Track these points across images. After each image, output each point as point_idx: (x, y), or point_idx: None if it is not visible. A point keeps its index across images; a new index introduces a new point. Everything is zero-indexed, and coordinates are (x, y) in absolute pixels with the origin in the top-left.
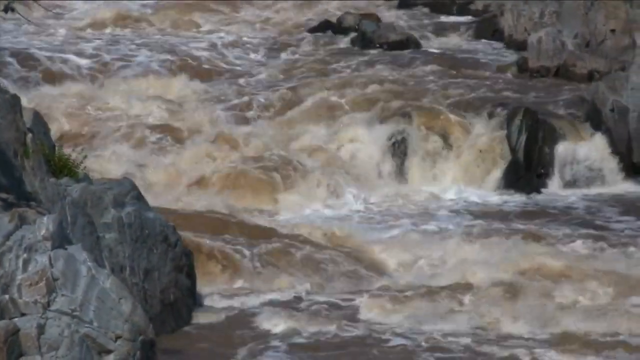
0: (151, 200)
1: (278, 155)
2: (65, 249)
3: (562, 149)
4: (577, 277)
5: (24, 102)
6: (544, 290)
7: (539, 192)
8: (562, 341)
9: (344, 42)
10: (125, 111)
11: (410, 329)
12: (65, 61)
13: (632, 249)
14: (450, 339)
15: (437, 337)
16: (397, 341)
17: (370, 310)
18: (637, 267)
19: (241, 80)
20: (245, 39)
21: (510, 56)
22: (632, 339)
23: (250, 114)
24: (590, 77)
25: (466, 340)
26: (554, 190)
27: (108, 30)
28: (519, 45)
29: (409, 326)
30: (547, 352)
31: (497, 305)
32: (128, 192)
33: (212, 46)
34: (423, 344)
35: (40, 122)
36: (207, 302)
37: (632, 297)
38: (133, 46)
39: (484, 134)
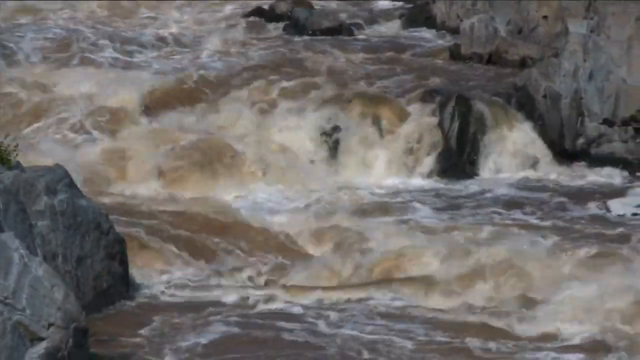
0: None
1: (210, 143)
2: None
3: (494, 135)
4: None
5: None
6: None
7: (471, 178)
8: None
9: (276, 29)
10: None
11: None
12: None
13: (562, 235)
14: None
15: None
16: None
17: (289, 294)
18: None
19: (172, 69)
20: (174, 30)
21: (443, 43)
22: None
23: (184, 102)
24: (522, 63)
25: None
26: (486, 176)
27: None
28: (452, 32)
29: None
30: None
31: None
32: (61, 179)
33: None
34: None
35: None
36: (139, 289)
37: None
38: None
39: (416, 121)
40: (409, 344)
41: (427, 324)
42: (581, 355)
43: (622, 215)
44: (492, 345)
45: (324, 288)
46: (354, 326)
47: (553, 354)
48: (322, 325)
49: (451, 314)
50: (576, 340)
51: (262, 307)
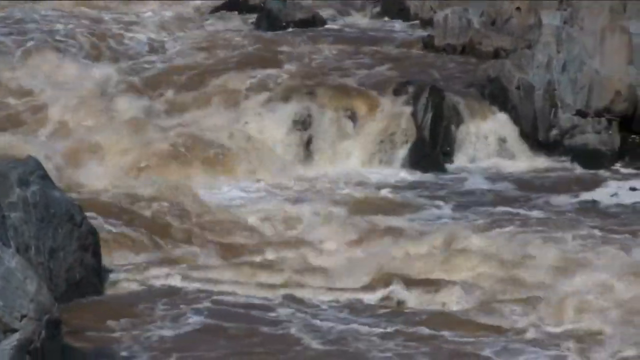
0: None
1: (181, 136)
2: None
3: (468, 127)
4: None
5: None
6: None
7: (444, 170)
8: None
9: (249, 21)
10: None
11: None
12: None
13: (533, 227)
14: None
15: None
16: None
17: (262, 286)
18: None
19: (142, 61)
20: (148, 22)
21: (417, 34)
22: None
23: (151, 95)
24: (496, 55)
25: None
26: (460, 168)
27: None
28: (425, 24)
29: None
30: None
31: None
32: (33, 171)
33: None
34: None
35: None
36: (112, 280)
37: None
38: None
39: (389, 112)
40: (375, 335)
41: (400, 318)
42: None
43: (596, 203)
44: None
45: (294, 279)
46: (324, 317)
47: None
48: (292, 316)
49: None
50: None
51: (235, 298)
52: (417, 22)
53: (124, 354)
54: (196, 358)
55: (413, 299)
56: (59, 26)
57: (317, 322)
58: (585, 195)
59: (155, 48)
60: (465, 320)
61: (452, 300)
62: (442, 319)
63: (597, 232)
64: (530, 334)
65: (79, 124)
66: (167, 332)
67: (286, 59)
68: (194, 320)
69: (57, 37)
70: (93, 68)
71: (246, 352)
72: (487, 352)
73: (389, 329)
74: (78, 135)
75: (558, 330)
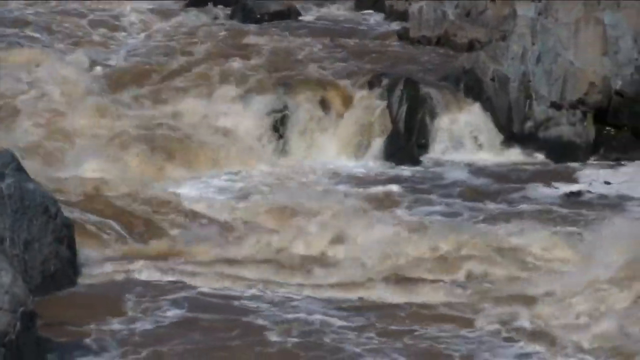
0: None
1: (157, 128)
2: None
3: (443, 119)
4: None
5: None
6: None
7: (419, 162)
8: None
9: (224, 13)
10: None
11: None
12: None
13: (509, 221)
14: None
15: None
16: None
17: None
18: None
19: (116, 54)
20: (124, 13)
21: (392, 26)
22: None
23: (126, 86)
24: (471, 46)
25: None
26: (434, 160)
27: None
28: (400, 16)
29: None
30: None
31: None
32: (8, 163)
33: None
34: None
35: None
36: (87, 272)
37: None
38: None
39: (364, 104)
40: (350, 328)
41: (376, 313)
42: None
43: (572, 195)
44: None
45: (270, 273)
46: (299, 310)
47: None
48: (268, 309)
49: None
50: None
51: (210, 292)
52: (392, 13)
53: (98, 346)
54: (169, 351)
55: (390, 295)
56: (32, 18)
57: (292, 315)
58: (560, 188)
59: (129, 40)
60: (440, 315)
61: (429, 296)
62: (418, 314)
63: (570, 226)
64: (506, 331)
65: (49, 117)
66: (141, 325)
67: (261, 51)
68: (168, 313)
69: (28, 32)
70: (64, 60)
71: (219, 345)
72: (462, 349)
73: (364, 324)
74: (47, 128)
75: (533, 326)
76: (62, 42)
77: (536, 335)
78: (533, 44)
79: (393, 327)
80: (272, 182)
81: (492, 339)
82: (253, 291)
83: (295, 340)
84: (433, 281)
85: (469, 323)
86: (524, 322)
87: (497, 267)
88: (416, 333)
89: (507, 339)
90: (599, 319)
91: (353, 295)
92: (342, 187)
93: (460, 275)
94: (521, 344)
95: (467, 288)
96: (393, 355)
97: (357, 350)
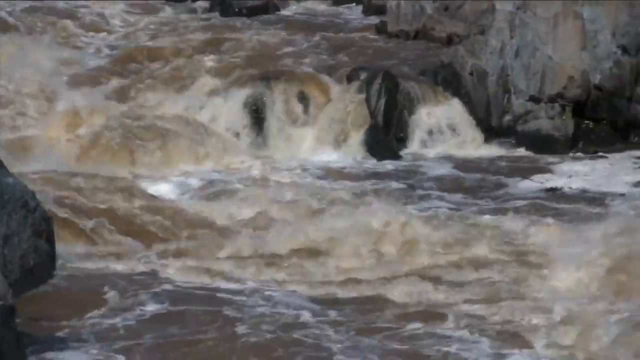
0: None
1: (135, 122)
2: None
3: (421, 113)
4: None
5: None
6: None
7: (398, 156)
8: None
9: (202, 7)
10: None
11: None
12: None
13: (486, 215)
14: None
15: None
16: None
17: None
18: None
19: (95, 48)
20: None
21: (370, 21)
22: None
23: (105, 81)
24: (449, 41)
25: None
26: (413, 154)
27: None
28: (379, 10)
29: None
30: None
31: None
32: None
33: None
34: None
35: None
36: (67, 267)
37: None
38: None
39: (343, 98)
40: (327, 324)
41: (356, 309)
42: None
43: (551, 190)
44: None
45: (252, 268)
46: (279, 305)
47: None
48: (250, 302)
49: None
50: None
51: (190, 286)
52: (370, 7)
53: (77, 340)
54: (147, 345)
55: (370, 290)
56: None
57: (270, 310)
58: (538, 182)
59: (106, 34)
60: (419, 312)
61: (408, 293)
62: (398, 311)
63: (550, 219)
64: (484, 326)
65: (22, 112)
66: (121, 319)
67: (239, 45)
68: (148, 307)
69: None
70: (41, 53)
71: (197, 339)
72: (441, 346)
73: (341, 319)
74: (20, 121)
75: (498, 319)
76: (37, 33)
77: (502, 334)
78: (512, 38)
79: (373, 324)
80: (250, 176)
81: (474, 335)
82: (234, 286)
83: (271, 335)
84: (410, 276)
85: (448, 319)
86: (499, 319)
87: (477, 261)
88: (394, 330)
89: (483, 334)
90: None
91: (335, 290)
92: (320, 181)
93: (441, 270)
94: (494, 339)
95: (443, 284)
96: (369, 354)
97: (337, 346)
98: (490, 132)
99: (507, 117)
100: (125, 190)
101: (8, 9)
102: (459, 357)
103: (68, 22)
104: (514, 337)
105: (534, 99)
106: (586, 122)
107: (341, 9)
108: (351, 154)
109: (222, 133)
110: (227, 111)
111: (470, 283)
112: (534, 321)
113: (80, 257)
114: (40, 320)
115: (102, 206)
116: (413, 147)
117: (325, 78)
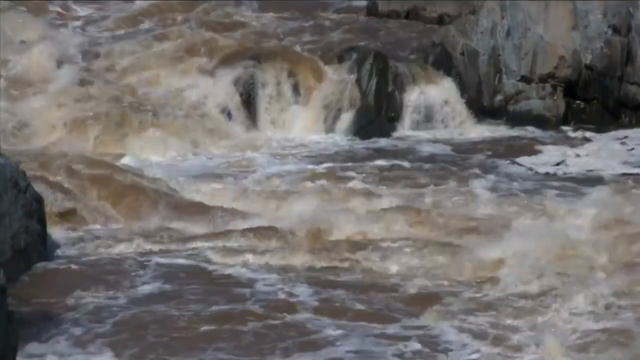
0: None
1: (127, 100)
2: None
3: (412, 93)
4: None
5: None
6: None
7: (389, 136)
8: None
9: None
10: None
11: None
12: None
13: (476, 196)
14: None
15: None
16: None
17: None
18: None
19: (81, 28)
20: None
21: (361, 1)
22: None
23: (93, 61)
24: (440, 20)
25: None
26: (405, 134)
27: None
28: None
29: None
30: None
31: None
32: None
33: None
34: None
35: None
36: (58, 247)
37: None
38: None
39: (334, 78)
40: (316, 302)
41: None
42: None
43: (540, 170)
44: None
45: (244, 247)
46: (267, 284)
47: None
48: (246, 282)
49: None
50: None
51: (184, 265)
52: None
53: (68, 320)
54: (137, 324)
55: (358, 268)
56: None
57: (263, 288)
58: (530, 162)
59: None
60: (412, 297)
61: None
62: (379, 290)
63: (537, 200)
64: (459, 303)
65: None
66: (113, 299)
67: (230, 25)
68: (139, 288)
69: None
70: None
71: (189, 319)
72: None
73: (326, 296)
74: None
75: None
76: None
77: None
78: (503, 18)
79: (353, 302)
80: (241, 157)
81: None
82: (223, 266)
83: (264, 312)
84: (407, 253)
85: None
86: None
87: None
88: (375, 308)
89: (460, 311)
90: None
91: (336, 274)
92: (311, 161)
93: (432, 250)
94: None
95: (439, 264)
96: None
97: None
98: (482, 112)
99: (499, 97)
100: (115, 170)
101: None
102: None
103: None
104: None
105: (525, 79)
106: (577, 102)
107: None
108: (342, 134)
109: (212, 113)
110: (217, 91)
111: None
112: None
113: (71, 238)
114: (31, 300)
115: (92, 187)
116: (404, 127)
117: (316, 58)
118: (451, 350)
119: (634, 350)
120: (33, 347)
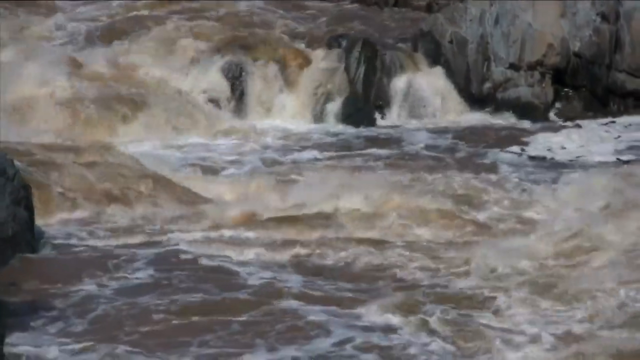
0: None
1: (116, 88)
2: None
3: (401, 80)
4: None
5: None
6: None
7: (377, 124)
8: None
9: None
10: None
11: None
12: None
13: (465, 185)
14: None
15: None
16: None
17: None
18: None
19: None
20: None
21: None
22: None
23: (86, 47)
24: (429, 8)
25: None
26: (393, 122)
27: None
28: None
29: None
30: None
31: None
32: None
33: None
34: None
35: None
36: (46, 235)
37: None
38: None
39: (322, 66)
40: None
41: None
42: None
43: (533, 158)
44: None
45: (233, 235)
46: (253, 270)
47: None
48: (239, 270)
49: None
50: None
51: (175, 252)
52: None
53: (58, 308)
54: (126, 313)
55: (345, 257)
56: None
57: (248, 275)
58: (518, 149)
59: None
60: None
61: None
62: (365, 276)
63: (526, 188)
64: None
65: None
66: (101, 288)
67: (219, 12)
68: (129, 276)
69: None
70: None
71: (176, 307)
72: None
73: (312, 284)
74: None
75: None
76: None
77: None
78: (491, 5)
79: (339, 290)
80: (229, 144)
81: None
82: (215, 254)
83: (250, 298)
84: (397, 242)
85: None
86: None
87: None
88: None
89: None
90: None
91: (327, 260)
92: (299, 149)
93: (424, 239)
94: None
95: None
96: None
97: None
98: (470, 100)
99: (487, 85)
100: (104, 157)
101: None
102: None
103: None
104: None
105: (514, 67)
106: (565, 89)
107: None
108: (330, 121)
109: (201, 100)
110: (206, 79)
111: None
112: None
113: (59, 225)
114: (19, 288)
115: (81, 174)
116: (392, 115)
117: (304, 46)
118: None
119: None
120: (20, 336)
